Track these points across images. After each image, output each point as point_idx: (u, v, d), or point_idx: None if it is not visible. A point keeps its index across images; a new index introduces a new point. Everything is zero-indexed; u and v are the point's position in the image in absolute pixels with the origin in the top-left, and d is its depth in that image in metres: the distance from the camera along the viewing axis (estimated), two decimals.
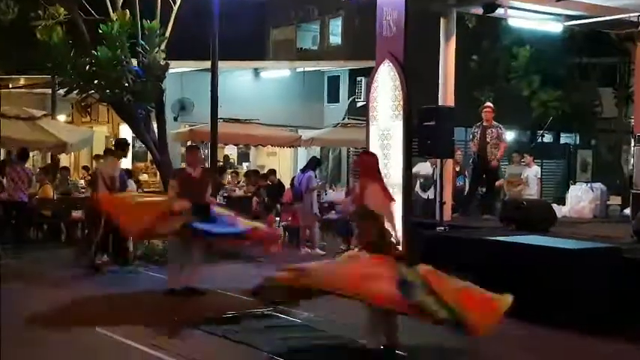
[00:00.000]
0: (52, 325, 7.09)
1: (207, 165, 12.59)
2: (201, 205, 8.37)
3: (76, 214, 13.68)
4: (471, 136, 11.47)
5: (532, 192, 12.88)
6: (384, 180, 6.68)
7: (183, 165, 8.95)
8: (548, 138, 21.39)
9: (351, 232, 9.99)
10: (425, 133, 9.90)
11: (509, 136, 21.38)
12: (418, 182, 12.70)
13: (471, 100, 15.97)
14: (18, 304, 7.49)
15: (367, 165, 6.40)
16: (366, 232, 6.00)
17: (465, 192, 12.25)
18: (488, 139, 11.12)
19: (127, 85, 11.85)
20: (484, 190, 11.88)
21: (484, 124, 11.22)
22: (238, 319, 7.20)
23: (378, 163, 6.56)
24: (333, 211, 14.17)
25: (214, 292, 8.59)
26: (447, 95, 10.80)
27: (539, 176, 13.22)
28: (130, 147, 11.76)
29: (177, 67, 16.45)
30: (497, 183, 12.61)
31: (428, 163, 12.72)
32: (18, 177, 12.45)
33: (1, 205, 12.57)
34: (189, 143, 15.60)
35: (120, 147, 10.86)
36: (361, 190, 6.13)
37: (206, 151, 16.41)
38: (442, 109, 10.18)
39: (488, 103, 11.70)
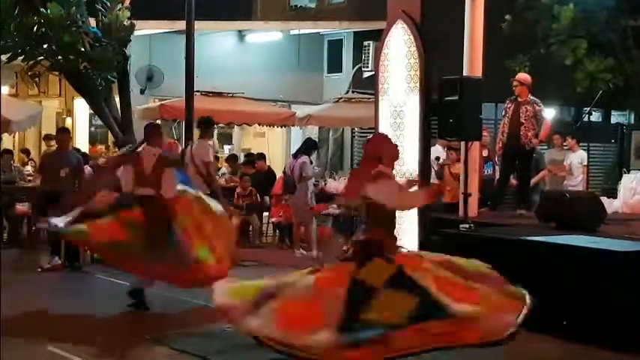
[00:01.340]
0: None
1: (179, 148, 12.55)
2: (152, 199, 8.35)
3: (22, 207, 13.66)
4: (503, 113, 11.44)
5: (576, 182, 12.88)
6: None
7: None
8: (596, 117, 21.35)
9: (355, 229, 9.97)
10: (446, 109, 9.87)
11: (549, 114, 21.50)
12: (433, 170, 12.69)
13: (502, 71, 15.91)
14: None
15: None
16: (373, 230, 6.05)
17: (495, 182, 12.23)
18: (522, 119, 11.08)
19: (83, 50, 11.84)
20: (517, 179, 11.86)
21: (518, 99, 11.18)
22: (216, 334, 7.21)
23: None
24: (334, 205, 14.18)
25: (188, 304, 8.60)
26: (473, 64, 10.77)
27: (585, 163, 13.20)
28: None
29: (144, 29, 16.40)
30: (538, 176, 12.62)
31: (439, 147, 12.66)
32: None
33: None
34: (158, 121, 15.57)
35: (208, 124, 11.10)
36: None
37: (179, 131, 16.42)
38: (467, 81, 10.15)
39: (520, 75, 11.60)
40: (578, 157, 13.15)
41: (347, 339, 5.40)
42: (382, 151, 6.32)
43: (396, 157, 6.51)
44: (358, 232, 6.26)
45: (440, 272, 5.86)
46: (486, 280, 5.95)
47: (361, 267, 5.82)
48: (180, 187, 8.69)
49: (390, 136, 9.95)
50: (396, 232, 6.24)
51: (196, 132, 11.75)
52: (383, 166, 6.18)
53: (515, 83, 11.26)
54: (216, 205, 8.88)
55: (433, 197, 6.26)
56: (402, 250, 6.14)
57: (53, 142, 16.37)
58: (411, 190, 6.32)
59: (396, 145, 6.60)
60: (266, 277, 6.19)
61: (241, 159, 17.35)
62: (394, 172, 6.54)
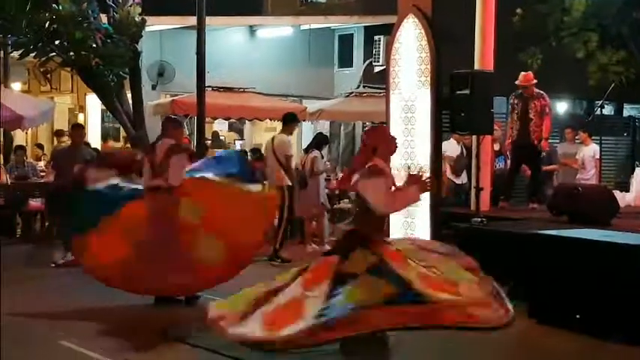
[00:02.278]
0: (5, 336, 7.12)
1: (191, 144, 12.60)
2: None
3: (35, 202, 13.73)
4: (510, 108, 11.35)
5: (588, 176, 12.84)
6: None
7: None
8: (608, 110, 21.27)
9: None
10: (458, 103, 9.87)
11: (561, 107, 21.47)
12: (447, 164, 12.69)
13: (514, 64, 15.85)
14: None
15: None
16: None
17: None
18: (531, 114, 11.03)
19: (94, 46, 11.87)
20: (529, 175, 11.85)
21: (524, 94, 11.11)
22: None
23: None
24: (346, 199, 14.19)
25: (203, 299, 8.62)
26: (484, 58, 10.75)
27: (598, 157, 13.17)
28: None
29: (155, 25, 16.43)
30: (551, 167, 12.59)
31: (453, 140, 12.67)
32: None
33: None
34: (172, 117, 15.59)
35: (287, 120, 11.93)
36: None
37: (191, 126, 16.45)
38: (479, 75, 10.13)
39: (526, 78, 11.39)
40: (590, 151, 13.11)
41: (320, 321, 5.52)
42: (377, 142, 6.32)
43: (392, 151, 6.46)
44: (346, 222, 6.32)
45: (423, 268, 5.89)
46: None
47: (344, 259, 5.91)
48: (199, 174, 8.62)
49: (401, 131, 10.06)
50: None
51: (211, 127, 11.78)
52: (377, 159, 6.18)
53: (525, 85, 11.11)
54: (250, 188, 8.64)
55: (422, 193, 6.25)
56: (388, 241, 6.21)
57: (64, 138, 16.47)
58: (402, 189, 6.29)
59: (394, 139, 6.58)
60: (258, 283, 6.27)
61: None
62: (390, 165, 6.53)
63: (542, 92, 11.11)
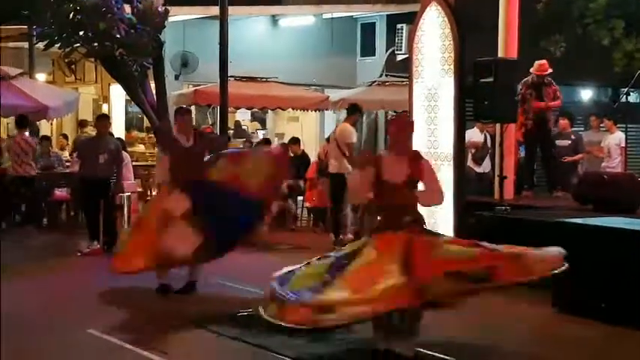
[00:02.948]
0: (34, 325, 7.20)
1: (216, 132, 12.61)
2: (199, 182, 8.40)
3: (60, 192, 13.84)
4: (519, 98, 11.26)
5: (614, 164, 12.75)
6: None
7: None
8: (633, 97, 21.08)
9: None
10: (481, 91, 9.84)
11: (586, 95, 21.31)
12: (470, 152, 12.65)
13: (537, 52, 15.76)
14: None
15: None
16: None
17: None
18: (546, 101, 11.08)
19: (118, 36, 11.91)
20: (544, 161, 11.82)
21: (538, 82, 11.10)
22: (255, 318, 7.25)
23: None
24: None
25: (225, 287, 8.67)
26: (508, 45, 10.70)
27: (623, 144, 13.04)
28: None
29: (178, 15, 16.48)
30: (577, 156, 12.55)
31: (476, 129, 12.62)
32: (20, 149, 12.81)
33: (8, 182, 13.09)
34: (193, 107, 15.65)
35: (351, 110, 12.20)
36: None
37: (214, 116, 16.50)
38: (503, 63, 10.09)
39: (542, 66, 11.39)
40: (615, 139, 13.00)
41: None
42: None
43: (402, 137, 6.42)
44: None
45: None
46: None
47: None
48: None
49: (424, 119, 10.06)
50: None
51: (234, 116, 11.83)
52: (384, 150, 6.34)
53: (540, 74, 11.11)
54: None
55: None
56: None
57: (87, 128, 16.58)
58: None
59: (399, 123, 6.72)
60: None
61: (275, 144, 17.38)
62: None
63: (550, 79, 11.16)
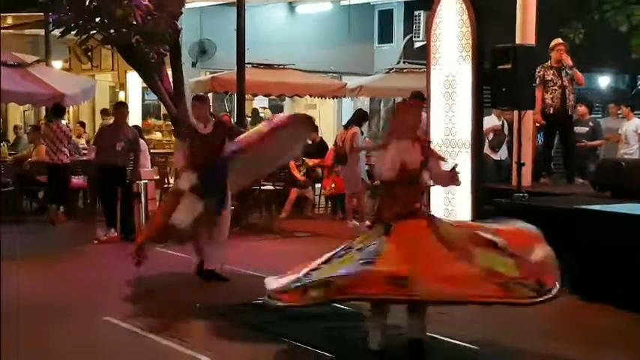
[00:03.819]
0: (51, 312, 7.24)
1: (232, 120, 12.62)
2: (212, 164, 8.44)
3: (77, 180, 13.89)
4: (538, 81, 11.17)
5: (632, 150, 12.68)
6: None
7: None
8: None
9: None
10: (499, 78, 9.78)
11: (603, 82, 21.19)
12: (486, 139, 12.59)
13: (555, 38, 15.69)
14: (10, 286, 7.66)
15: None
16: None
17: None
18: (565, 83, 10.99)
19: (135, 23, 11.88)
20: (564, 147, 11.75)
21: (552, 65, 11.03)
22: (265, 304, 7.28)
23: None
24: None
25: (244, 275, 8.69)
26: (526, 32, 10.64)
27: None
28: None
29: (195, 2, 16.47)
30: (595, 142, 12.49)
31: (494, 116, 12.56)
32: (55, 136, 12.95)
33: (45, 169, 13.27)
34: (210, 94, 15.64)
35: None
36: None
37: (231, 103, 16.50)
38: (521, 49, 10.02)
39: (561, 44, 11.32)
40: (633, 126, 12.93)
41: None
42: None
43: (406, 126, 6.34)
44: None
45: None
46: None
47: None
48: None
49: (441, 106, 10.03)
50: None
51: (251, 104, 11.84)
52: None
53: (562, 49, 11.04)
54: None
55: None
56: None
57: (110, 117, 16.62)
58: None
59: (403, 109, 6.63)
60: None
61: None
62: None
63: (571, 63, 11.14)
